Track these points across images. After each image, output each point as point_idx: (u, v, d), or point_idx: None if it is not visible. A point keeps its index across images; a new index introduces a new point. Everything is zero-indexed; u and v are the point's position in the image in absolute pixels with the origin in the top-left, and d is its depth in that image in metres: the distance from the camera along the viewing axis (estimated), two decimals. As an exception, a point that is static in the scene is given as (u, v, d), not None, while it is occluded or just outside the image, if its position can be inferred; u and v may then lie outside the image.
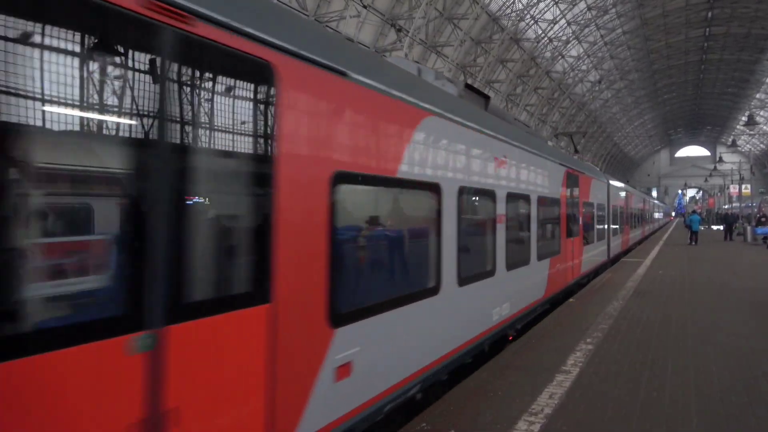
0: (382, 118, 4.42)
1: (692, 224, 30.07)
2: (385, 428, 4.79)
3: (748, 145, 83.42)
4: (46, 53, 2.16)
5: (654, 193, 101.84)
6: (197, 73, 2.81)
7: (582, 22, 44.42)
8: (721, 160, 48.36)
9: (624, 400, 5.36)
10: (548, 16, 40.69)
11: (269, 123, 3.22)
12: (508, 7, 36.26)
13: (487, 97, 8.30)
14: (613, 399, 5.41)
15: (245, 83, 3.10)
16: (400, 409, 4.98)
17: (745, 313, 9.85)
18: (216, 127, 2.95)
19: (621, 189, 22.16)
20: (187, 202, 2.73)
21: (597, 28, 46.80)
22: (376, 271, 4.62)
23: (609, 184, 18.20)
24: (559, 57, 47.08)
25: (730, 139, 49.33)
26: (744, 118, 53.86)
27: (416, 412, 5.27)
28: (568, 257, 11.55)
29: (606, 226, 17.40)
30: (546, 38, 42.77)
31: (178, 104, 2.68)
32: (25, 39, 2.10)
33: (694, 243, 29.09)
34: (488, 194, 6.80)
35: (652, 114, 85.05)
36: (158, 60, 2.55)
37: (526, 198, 8.44)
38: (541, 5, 38.67)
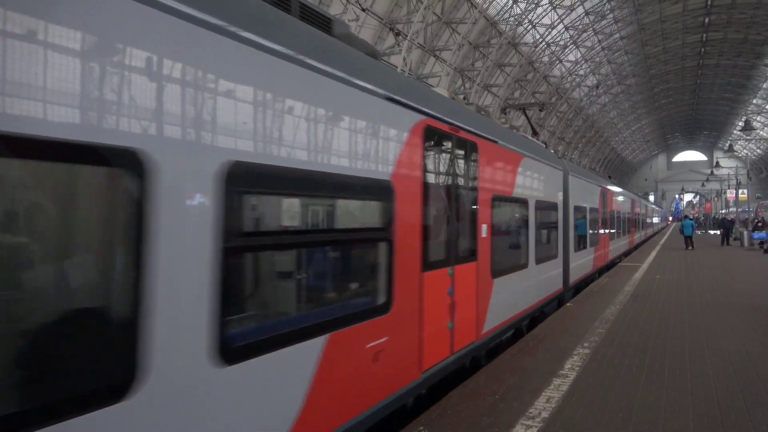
0: None
1: (684, 229, 30.46)
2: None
3: (745, 150, 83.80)
4: None
5: (651, 198, 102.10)
6: None
7: (580, 27, 44.61)
8: (718, 165, 48.57)
9: (621, 404, 5.37)
10: (546, 21, 40.87)
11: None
12: (506, 11, 36.41)
13: None
14: (610, 403, 5.42)
15: None
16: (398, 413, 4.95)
17: (742, 317, 9.87)
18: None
19: (592, 184, 15.65)
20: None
21: (595, 33, 47.01)
22: None
23: (568, 175, 12.22)
24: (557, 62, 47.27)
25: (727, 144, 49.57)
26: (741, 124, 54.04)
27: (414, 415, 5.26)
28: (432, 313, 5.35)
29: (560, 238, 11.30)
30: (544, 43, 42.92)
31: None
32: None
33: (690, 248, 29.23)
34: None
35: (650, 119, 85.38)
36: None
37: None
38: (539, 10, 38.84)
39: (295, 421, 3.45)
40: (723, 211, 67.73)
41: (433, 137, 5.46)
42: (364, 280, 4.57)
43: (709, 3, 46.48)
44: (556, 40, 43.94)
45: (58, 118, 2.13)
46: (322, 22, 4.44)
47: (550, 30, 41.91)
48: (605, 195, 17.86)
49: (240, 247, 3.09)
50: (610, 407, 5.30)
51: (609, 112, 69.65)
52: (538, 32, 41.25)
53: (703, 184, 75.80)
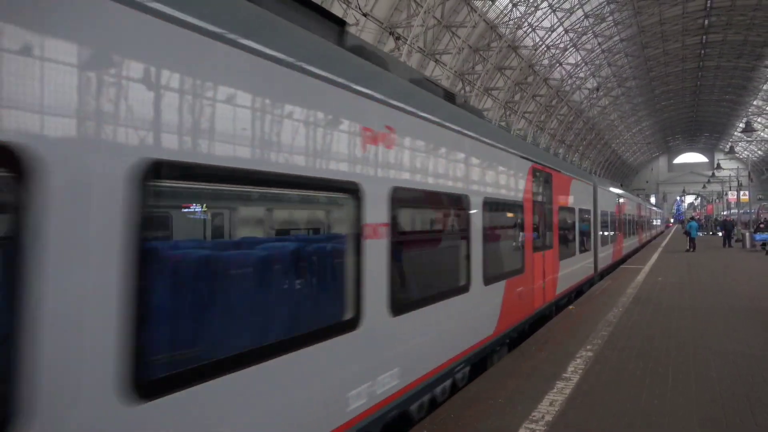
0: None
1: (691, 230, 30.25)
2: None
3: (746, 152, 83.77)
4: None
5: (653, 200, 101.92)
6: None
7: (579, 29, 44.68)
8: (719, 166, 48.54)
9: (625, 408, 5.35)
10: (546, 24, 40.93)
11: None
12: (506, 15, 36.48)
13: None
14: (614, 406, 5.40)
15: None
16: (402, 417, 4.96)
17: (745, 319, 9.85)
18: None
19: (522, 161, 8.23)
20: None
21: (594, 35, 47.08)
22: None
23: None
24: (557, 64, 47.31)
25: (728, 146, 49.57)
26: (742, 125, 54.07)
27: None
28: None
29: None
30: (544, 46, 42.98)
31: None
32: None
33: (692, 249, 29.13)
34: None
35: (650, 121, 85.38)
36: None
37: None
38: (539, 13, 38.90)
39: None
40: (724, 213, 67.65)
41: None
42: None
43: (708, 5, 46.56)
44: (556, 43, 44.00)
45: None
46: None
47: (549, 33, 41.98)
48: (574, 189, 12.34)
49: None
50: (614, 410, 5.28)
51: (609, 115, 69.69)
52: (537, 35, 41.32)
53: (704, 186, 75.81)
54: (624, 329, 9.00)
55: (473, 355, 6.42)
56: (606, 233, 17.82)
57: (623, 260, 22.97)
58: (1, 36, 2.03)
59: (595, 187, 15.92)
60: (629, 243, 25.56)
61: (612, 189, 20.40)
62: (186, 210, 3.32)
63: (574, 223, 12.65)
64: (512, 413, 5.20)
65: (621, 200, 22.12)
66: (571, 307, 11.42)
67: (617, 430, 4.83)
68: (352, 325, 4.04)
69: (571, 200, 12.28)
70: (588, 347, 7.76)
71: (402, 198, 4.71)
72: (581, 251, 13.49)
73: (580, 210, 13.37)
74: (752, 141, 74.22)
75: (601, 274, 17.10)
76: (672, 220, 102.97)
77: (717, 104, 78.80)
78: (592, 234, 15.33)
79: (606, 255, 17.93)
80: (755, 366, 6.79)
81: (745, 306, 11.25)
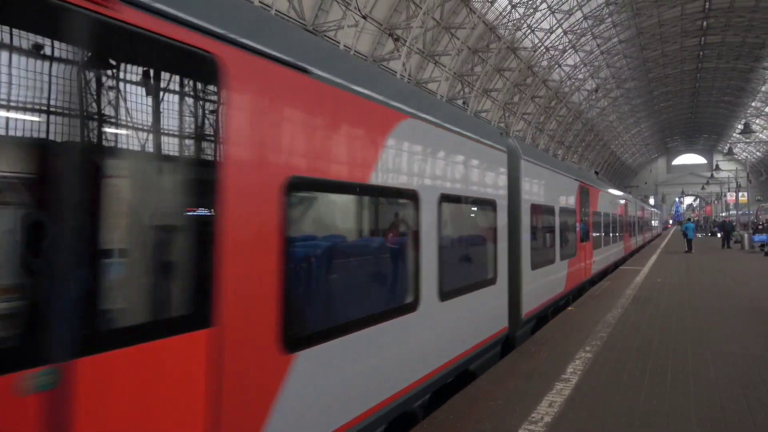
0: None
1: (687, 232, 30.32)
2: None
3: (744, 153, 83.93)
4: None
5: (651, 201, 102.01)
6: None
7: (578, 31, 44.75)
8: (717, 168, 48.63)
9: (624, 408, 5.35)
10: (545, 25, 40.99)
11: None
12: (505, 16, 36.54)
13: None
14: (613, 407, 5.40)
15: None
16: (399, 419, 4.96)
17: (744, 320, 9.85)
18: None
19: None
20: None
21: (593, 37, 47.15)
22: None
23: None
24: (556, 66, 47.37)
25: (727, 147, 49.63)
26: (740, 126, 54.24)
27: (416, 421, 5.25)
28: None
29: None
30: (543, 47, 43.04)
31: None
32: None
33: (690, 251, 29.17)
34: None
35: (649, 122, 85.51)
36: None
37: None
38: (538, 15, 38.97)
39: None
40: (723, 214, 67.72)
41: None
42: None
43: (707, 6, 46.66)
44: (555, 44, 44.07)
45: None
46: None
47: (548, 34, 42.04)
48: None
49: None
50: (613, 411, 5.28)
51: (608, 116, 69.78)
52: (536, 37, 41.38)
53: (703, 187, 75.90)
54: (623, 330, 9.00)
55: None
56: (548, 245, 10.26)
57: (595, 281, 15.54)
58: None
59: (515, 159, 8.30)
60: (604, 256, 16.84)
61: (561, 170, 11.68)
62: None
63: (415, 229, 5.04)
64: (511, 414, 5.20)
65: (586, 190, 13.89)
66: (570, 308, 11.43)
67: (616, 431, 4.83)
68: None
69: (412, 173, 5.01)
70: (587, 348, 7.77)
71: None
72: (453, 293, 5.80)
73: (448, 197, 5.72)
74: (751, 142, 74.37)
75: (538, 321, 9.68)
76: (671, 221, 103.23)
77: (715, 106, 78.94)
78: (505, 249, 7.62)
79: (547, 283, 10.13)
80: (754, 366, 6.80)
81: (745, 306, 11.25)
